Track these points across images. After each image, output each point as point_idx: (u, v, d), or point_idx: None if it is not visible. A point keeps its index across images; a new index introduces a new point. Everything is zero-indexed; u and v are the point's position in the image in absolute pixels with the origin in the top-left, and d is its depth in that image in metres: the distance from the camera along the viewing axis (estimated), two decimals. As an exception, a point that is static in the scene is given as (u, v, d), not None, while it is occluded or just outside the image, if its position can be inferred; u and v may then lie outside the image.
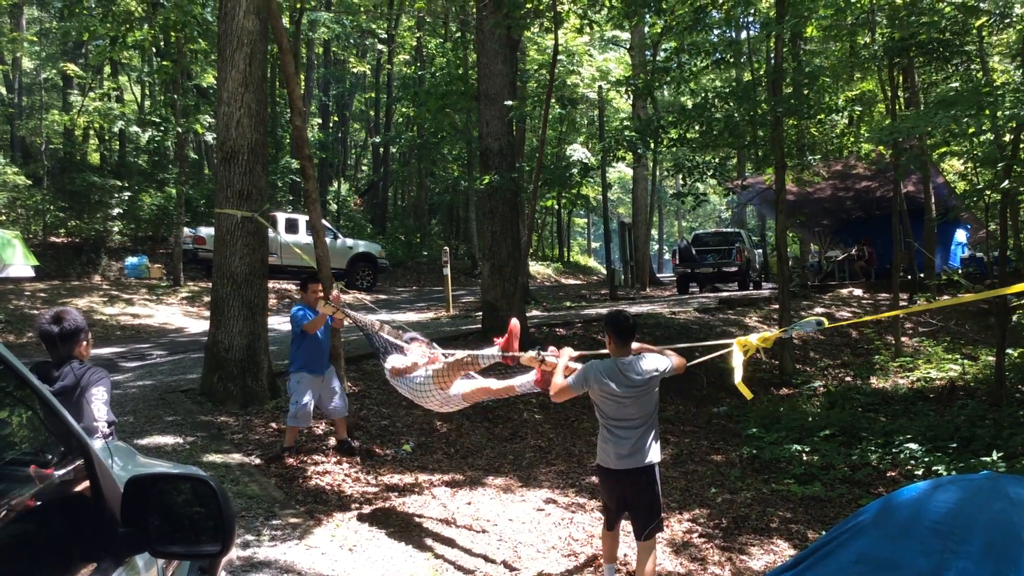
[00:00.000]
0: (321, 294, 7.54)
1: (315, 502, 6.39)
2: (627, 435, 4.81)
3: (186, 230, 19.28)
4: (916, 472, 7.75)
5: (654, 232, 44.10)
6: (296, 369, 7.20)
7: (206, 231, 18.41)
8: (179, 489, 2.20)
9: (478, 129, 13.39)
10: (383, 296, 20.68)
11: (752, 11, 14.88)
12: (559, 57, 14.22)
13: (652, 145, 12.66)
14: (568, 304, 18.59)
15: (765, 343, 4.94)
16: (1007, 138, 10.70)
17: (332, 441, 7.75)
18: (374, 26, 28.26)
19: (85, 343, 3.96)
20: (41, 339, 3.93)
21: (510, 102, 11.77)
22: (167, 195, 23.52)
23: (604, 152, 13.42)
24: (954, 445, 8.36)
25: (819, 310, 16.32)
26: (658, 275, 32.72)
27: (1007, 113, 9.47)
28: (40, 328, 3.91)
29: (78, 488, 2.04)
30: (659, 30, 18.45)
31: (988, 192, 12.62)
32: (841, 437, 8.95)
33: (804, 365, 12.98)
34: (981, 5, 11.72)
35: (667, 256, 48.34)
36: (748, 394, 5.16)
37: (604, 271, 29.27)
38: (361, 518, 6.14)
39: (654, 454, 4.86)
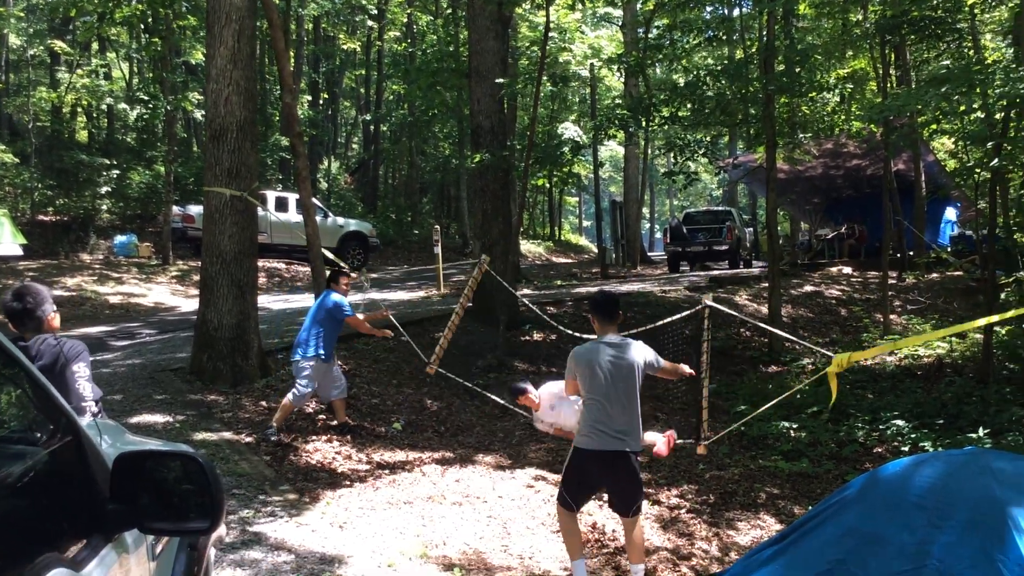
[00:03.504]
0: (348, 286, 7.66)
1: (305, 480, 6.42)
2: (613, 413, 4.69)
3: (175, 208, 19.12)
4: (903, 448, 7.82)
5: (645, 211, 44.09)
6: (328, 357, 7.27)
7: (195, 209, 18.25)
8: (168, 466, 2.20)
9: (469, 107, 13.33)
10: (374, 275, 20.63)
11: (744, -12, 14.83)
12: (551, 34, 14.12)
13: (644, 123, 12.65)
14: (559, 282, 18.61)
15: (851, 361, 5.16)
16: (998, 116, 10.68)
17: (322, 419, 7.77)
18: (364, 2, 27.99)
19: (52, 313, 3.93)
20: (7, 317, 3.90)
21: (501, 79, 11.71)
22: (156, 173, 23.33)
23: (596, 130, 13.39)
24: (941, 422, 8.45)
25: (808, 288, 16.39)
26: (649, 254, 32.71)
27: (998, 91, 9.43)
28: (5, 306, 3.88)
29: (67, 465, 2.04)
30: (651, 7, 18.34)
31: (978, 170, 12.64)
32: (828, 414, 9.02)
33: (792, 343, 13.03)
34: (973, -18, 11.71)
35: (658, 235, 48.31)
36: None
37: (595, 250, 29.27)
38: (351, 495, 6.17)
39: (635, 442, 4.76)
